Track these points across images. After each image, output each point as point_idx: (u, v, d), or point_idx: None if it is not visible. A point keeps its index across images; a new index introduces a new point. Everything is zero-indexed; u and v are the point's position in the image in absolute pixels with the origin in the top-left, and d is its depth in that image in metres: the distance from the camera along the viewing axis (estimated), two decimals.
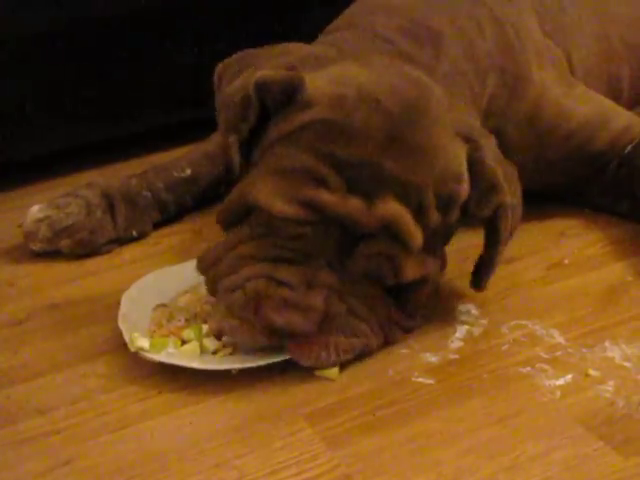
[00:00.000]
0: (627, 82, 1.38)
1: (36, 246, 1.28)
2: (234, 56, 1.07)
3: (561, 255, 1.14)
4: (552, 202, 1.25)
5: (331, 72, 0.96)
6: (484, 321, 1.02)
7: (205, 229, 1.35)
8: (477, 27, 1.13)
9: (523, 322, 1.01)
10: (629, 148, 1.18)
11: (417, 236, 0.92)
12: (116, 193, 1.31)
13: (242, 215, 0.96)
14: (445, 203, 0.94)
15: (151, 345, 0.95)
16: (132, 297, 1.03)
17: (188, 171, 1.36)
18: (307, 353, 0.93)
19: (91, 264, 1.27)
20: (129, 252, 1.30)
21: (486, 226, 1.01)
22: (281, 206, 0.91)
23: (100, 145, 1.60)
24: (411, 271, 0.94)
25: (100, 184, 1.33)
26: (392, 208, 0.91)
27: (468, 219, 0.99)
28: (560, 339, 0.97)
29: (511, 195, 0.99)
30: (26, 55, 1.49)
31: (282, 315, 0.91)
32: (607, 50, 1.35)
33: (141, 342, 0.95)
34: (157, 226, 1.35)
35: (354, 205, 0.90)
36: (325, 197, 0.90)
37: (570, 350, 0.95)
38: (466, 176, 0.95)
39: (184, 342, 0.97)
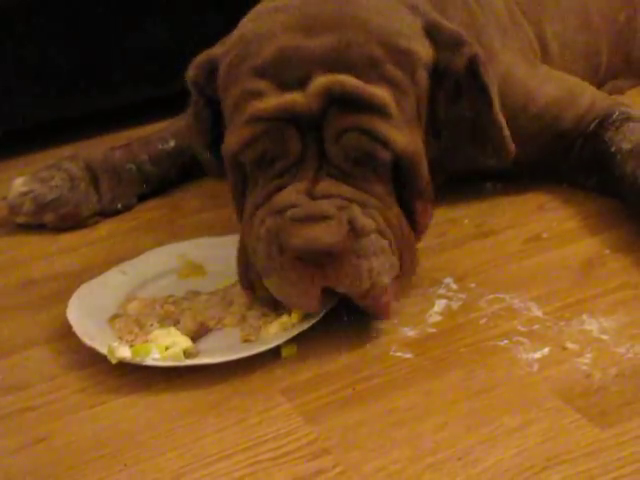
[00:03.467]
0: (605, 55, 1.38)
1: (20, 220, 1.28)
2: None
3: (539, 229, 1.14)
4: (530, 176, 1.24)
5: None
6: (462, 295, 1.02)
7: (183, 204, 1.34)
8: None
9: (501, 295, 1.01)
10: (593, 125, 1.18)
11: (375, 92, 0.89)
12: (100, 165, 1.31)
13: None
14: (404, 60, 0.92)
15: (133, 353, 0.92)
16: (80, 314, 0.99)
17: (172, 143, 1.36)
18: (342, 278, 0.88)
19: (67, 240, 1.26)
20: (105, 228, 1.29)
21: (470, 89, 0.97)
22: (234, 139, 0.93)
23: (77, 120, 1.59)
24: (399, 137, 0.90)
25: (83, 156, 1.32)
26: (324, 78, 0.89)
27: (446, 88, 0.96)
28: (538, 312, 0.97)
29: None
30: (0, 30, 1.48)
31: (299, 234, 0.86)
32: (585, 23, 1.35)
33: (122, 352, 0.92)
34: (141, 198, 1.34)
35: (288, 97, 0.89)
36: (259, 104, 0.90)
37: (548, 323, 0.95)
38: (422, 39, 0.94)
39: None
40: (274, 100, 0.89)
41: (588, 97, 1.20)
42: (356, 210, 0.89)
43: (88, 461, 0.83)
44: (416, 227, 0.97)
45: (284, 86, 0.90)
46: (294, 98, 0.89)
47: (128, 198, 1.33)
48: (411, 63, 0.92)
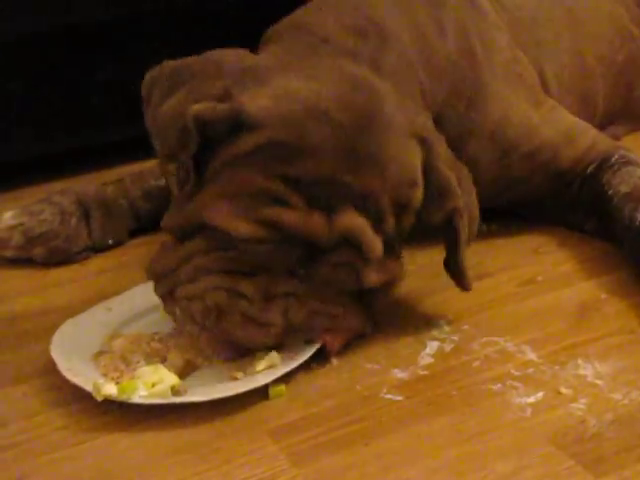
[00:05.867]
0: (601, 98, 1.38)
1: (8, 253, 1.26)
2: (163, 68, 1.02)
3: (534, 272, 1.13)
4: (525, 219, 1.24)
5: (273, 88, 0.93)
6: (455, 337, 1.00)
7: None
8: (437, 28, 1.11)
9: (495, 339, 0.99)
10: (591, 167, 1.17)
11: (377, 245, 0.92)
12: (91, 201, 1.30)
13: (195, 230, 0.94)
14: (400, 209, 0.94)
15: (120, 390, 0.90)
16: (63, 350, 0.97)
17: None
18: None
19: (55, 275, 1.24)
20: (94, 263, 1.28)
21: (444, 232, 1.00)
22: (241, 227, 0.89)
23: (68, 155, 1.58)
24: (374, 277, 0.94)
25: (75, 191, 1.31)
26: (352, 220, 0.90)
27: (422, 225, 0.98)
28: (532, 356, 0.96)
29: (466, 196, 1.00)
30: None
31: (242, 330, 0.93)
32: (581, 66, 1.35)
33: (107, 389, 0.90)
34: (132, 234, 1.33)
35: (315, 221, 0.90)
36: (286, 215, 0.89)
37: (542, 367, 0.94)
38: (420, 181, 0.95)
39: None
40: (301, 218, 0.89)
41: (588, 139, 1.20)
42: (300, 312, 0.93)
43: None
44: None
45: (311, 205, 0.89)
46: (319, 223, 0.90)
47: (119, 234, 1.32)
48: (406, 211, 0.95)
